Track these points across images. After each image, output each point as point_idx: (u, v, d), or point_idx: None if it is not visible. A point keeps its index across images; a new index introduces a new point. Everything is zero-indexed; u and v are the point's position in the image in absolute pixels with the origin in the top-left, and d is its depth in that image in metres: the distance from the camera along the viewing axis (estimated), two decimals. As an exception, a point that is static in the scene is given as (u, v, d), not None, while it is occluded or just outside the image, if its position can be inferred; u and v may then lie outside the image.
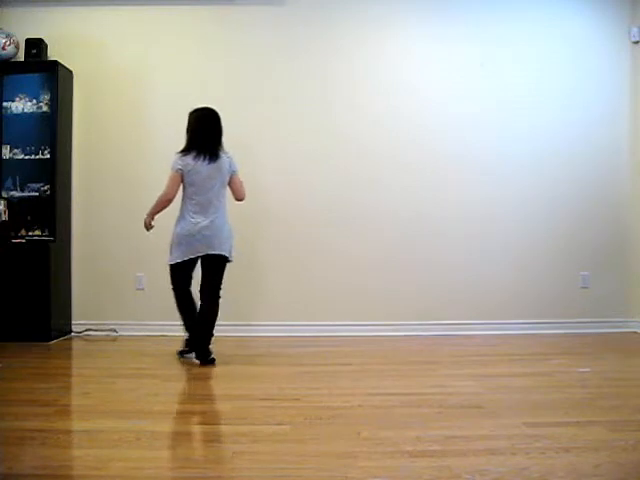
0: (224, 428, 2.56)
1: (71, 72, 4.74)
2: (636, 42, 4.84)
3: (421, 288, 4.80)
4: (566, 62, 4.86)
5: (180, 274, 3.79)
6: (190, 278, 3.83)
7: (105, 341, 4.57)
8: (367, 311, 4.79)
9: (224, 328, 4.67)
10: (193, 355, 3.80)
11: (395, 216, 4.82)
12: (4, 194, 4.61)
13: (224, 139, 3.83)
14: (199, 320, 3.78)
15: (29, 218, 4.63)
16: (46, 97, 4.62)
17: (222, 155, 3.75)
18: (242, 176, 4.74)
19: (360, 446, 2.35)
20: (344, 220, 4.80)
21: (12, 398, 3.01)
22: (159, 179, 4.78)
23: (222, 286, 3.80)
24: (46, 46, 4.66)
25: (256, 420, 2.68)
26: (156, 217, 3.85)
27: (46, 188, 4.59)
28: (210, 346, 3.75)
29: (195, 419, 2.68)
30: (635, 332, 4.75)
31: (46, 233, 4.58)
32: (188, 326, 3.85)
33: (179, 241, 3.71)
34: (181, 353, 3.93)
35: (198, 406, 2.90)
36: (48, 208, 4.55)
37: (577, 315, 4.81)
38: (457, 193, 4.82)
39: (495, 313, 4.79)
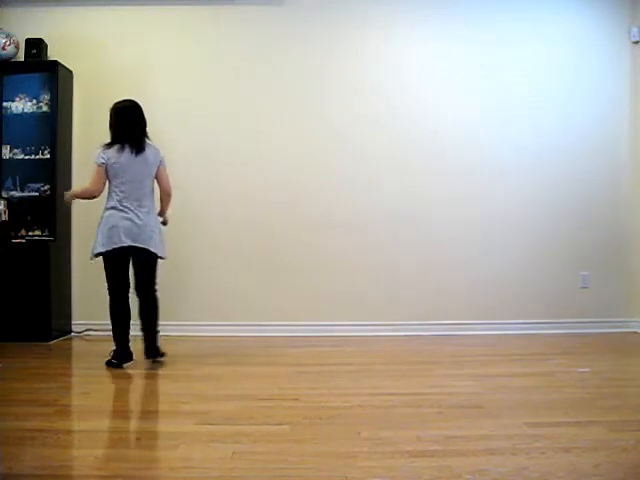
0: (224, 428, 2.56)
1: (71, 72, 4.74)
2: (636, 42, 4.84)
3: (421, 288, 4.79)
4: (566, 62, 4.86)
5: (112, 270, 3.65)
6: (125, 278, 3.70)
7: (105, 341, 4.54)
8: (367, 311, 4.79)
9: (224, 328, 4.71)
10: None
11: (395, 216, 4.82)
12: (4, 194, 4.61)
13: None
14: (141, 318, 3.72)
15: (29, 218, 4.63)
16: (46, 97, 4.62)
17: (148, 146, 3.66)
18: (241, 176, 4.78)
19: (360, 446, 2.35)
20: (343, 220, 4.80)
21: (12, 398, 3.00)
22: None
23: (157, 281, 3.77)
24: (46, 46, 4.66)
25: (256, 420, 2.67)
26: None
27: (46, 188, 4.59)
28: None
29: (195, 419, 2.68)
30: (635, 332, 4.75)
31: (46, 233, 4.58)
32: (120, 334, 3.68)
33: (104, 232, 3.60)
34: (111, 363, 3.70)
35: (198, 406, 2.90)
36: (48, 208, 4.55)
37: (577, 315, 4.81)
38: (457, 193, 4.81)
39: (495, 313, 4.79)
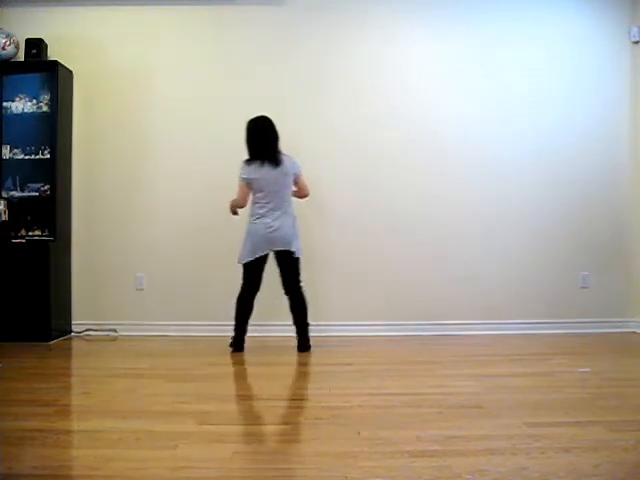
0: (224, 428, 2.56)
1: (71, 72, 4.75)
2: (636, 42, 4.84)
3: (421, 288, 4.79)
4: (566, 62, 4.86)
5: (249, 274, 4.06)
6: (257, 281, 4.07)
7: (105, 341, 4.57)
8: (367, 311, 4.79)
9: (225, 328, 4.69)
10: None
11: (395, 216, 4.82)
12: (4, 194, 4.61)
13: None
14: (292, 312, 4.14)
15: (29, 218, 4.63)
16: (46, 97, 4.62)
17: (284, 159, 4.01)
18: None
19: (360, 446, 2.35)
20: (344, 220, 4.80)
21: (12, 398, 3.01)
22: (159, 179, 4.83)
23: (301, 278, 4.11)
24: (46, 46, 4.66)
25: (256, 420, 2.68)
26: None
27: (46, 188, 4.59)
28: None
29: (195, 419, 2.68)
30: (635, 332, 4.75)
31: (46, 233, 4.58)
32: (237, 325, 4.12)
33: (249, 243, 4.01)
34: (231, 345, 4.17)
35: (198, 406, 2.90)
36: (48, 208, 4.55)
37: (577, 315, 4.81)
38: (457, 193, 4.82)
39: (495, 313, 4.79)
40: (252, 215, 4.03)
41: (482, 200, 4.82)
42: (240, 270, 4.75)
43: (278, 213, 3.98)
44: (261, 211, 3.98)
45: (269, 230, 3.96)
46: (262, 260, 4.04)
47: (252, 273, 4.05)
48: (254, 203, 4.03)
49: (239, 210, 4.10)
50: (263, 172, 3.95)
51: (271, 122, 4.04)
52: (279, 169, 3.97)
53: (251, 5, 4.81)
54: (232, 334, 4.13)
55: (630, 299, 4.84)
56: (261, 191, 3.97)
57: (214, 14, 4.83)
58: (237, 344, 4.12)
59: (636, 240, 4.84)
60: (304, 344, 4.12)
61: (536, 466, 2.13)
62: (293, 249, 4.01)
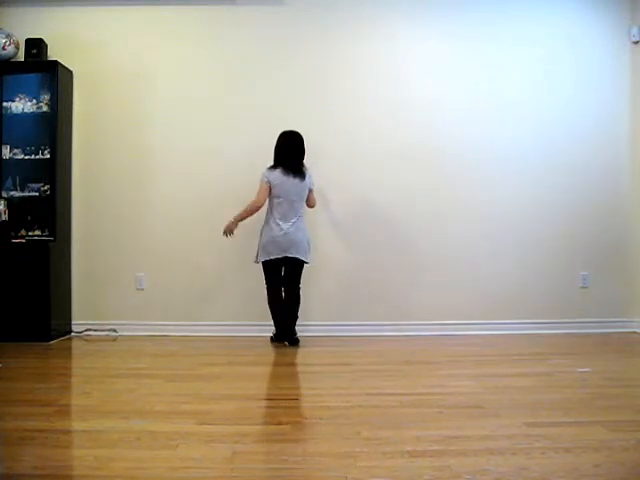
0: (224, 428, 2.56)
1: (71, 72, 4.75)
2: (636, 42, 4.84)
3: (421, 288, 4.80)
4: (566, 62, 4.86)
5: (270, 272, 4.31)
6: (280, 277, 4.32)
7: (105, 341, 4.57)
8: (367, 311, 4.79)
9: (224, 328, 4.71)
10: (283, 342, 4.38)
11: (395, 216, 4.82)
12: (4, 194, 4.61)
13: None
14: (285, 310, 4.33)
15: (29, 218, 4.63)
16: (46, 97, 4.62)
17: (305, 173, 4.30)
18: (239, 177, 4.78)
19: (360, 446, 2.35)
20: (343, 220, 4.80)
21: (12, 398, 3.00)
22: (159, 178, 4.82)
23: (301, 280, 4.35)
24: (46, 46, 4.66)
25: (256, 420, 2.68)
26: (240, 224, 4.30)
27: (46, 188, 4.59)
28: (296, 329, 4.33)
29: (195, 419, 2.68)
30: (635, 332, 4.75)
31: (46, 233, 4.58)
32: (276, 320, 4.39)
33: (265, 244, 4.24)
34: (272, 339, 4.51)
35: (198, 406, 2.90)
36: (48, 208, 4.55)
37: (577, 315, 4.81)
38: (457, 193, 4.82)
39: (495, 313, 4.79)
40: (269, 219, 4.26)
41: (482, 200, 4.82)
42: (241, 270, 4.77)
43: (294, 220, 4.23)
44: (278, 215, 4.22)
45: (283, 234, 4.19)
46: (279, 261, 4.25)
47: (272, 271, 4.29)
48: (271, 207, 4.26)
49: (244, 219, 4.30)
50: (287, 181, 4.20)
51: (303, 139, 4.30)
52: (303, 182, 4.25)
53: (251, 5, 4.81)
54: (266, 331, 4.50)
55: (630, 299, 4.84)
56: (279, 197, 4.21)
57: (214, 14, 4.83)
58: (280, 335, 4.39)
59: (636, 240, 4.85)
60: (293, 337, 4.31)
61: (536, 466, 2.13)
62: (301, 257, 4.26)
